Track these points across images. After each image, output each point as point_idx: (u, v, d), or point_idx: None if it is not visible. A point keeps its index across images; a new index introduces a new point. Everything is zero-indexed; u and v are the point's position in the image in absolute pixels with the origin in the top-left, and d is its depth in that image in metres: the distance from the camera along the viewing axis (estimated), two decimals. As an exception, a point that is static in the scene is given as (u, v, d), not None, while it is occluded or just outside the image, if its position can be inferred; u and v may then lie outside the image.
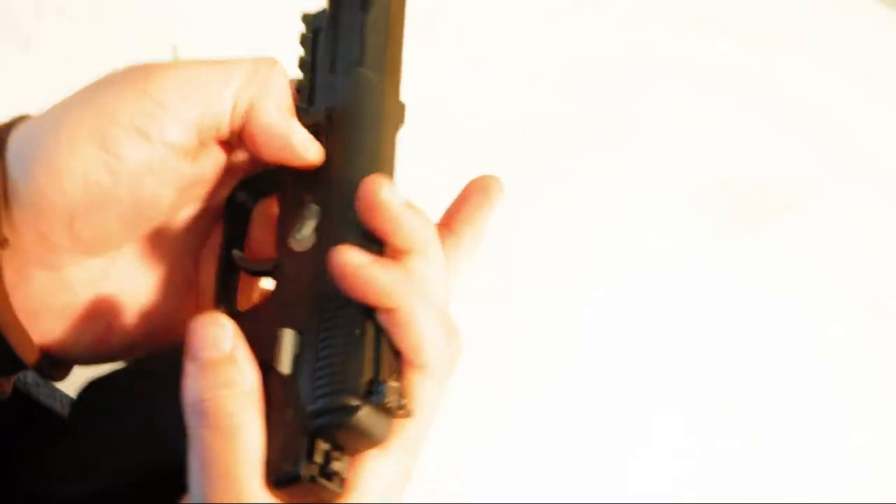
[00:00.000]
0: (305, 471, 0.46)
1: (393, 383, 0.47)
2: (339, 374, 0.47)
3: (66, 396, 0.84)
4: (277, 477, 0.47)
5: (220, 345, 0.48)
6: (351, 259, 0.48)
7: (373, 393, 0.47)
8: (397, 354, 0.49)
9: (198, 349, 0.48)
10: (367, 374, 0.47)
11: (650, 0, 1.04)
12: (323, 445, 0.47)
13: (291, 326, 0.50)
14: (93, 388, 0.56)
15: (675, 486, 0.85)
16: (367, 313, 0.48)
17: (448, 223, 0.55)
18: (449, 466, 0.82)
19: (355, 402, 0.46)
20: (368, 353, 0.48)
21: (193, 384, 0.48)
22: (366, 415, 0.47)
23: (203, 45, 0.98)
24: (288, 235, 0.53)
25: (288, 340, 0.49)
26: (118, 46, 0.99)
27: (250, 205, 0.56)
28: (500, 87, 0.98)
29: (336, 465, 0.47)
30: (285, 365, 0.49)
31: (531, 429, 0.86)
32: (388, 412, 0.47)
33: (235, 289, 0.55)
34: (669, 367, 0.88)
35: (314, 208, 0.52)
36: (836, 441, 0.87)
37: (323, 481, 0.47)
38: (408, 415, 0.48)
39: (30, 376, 0.84)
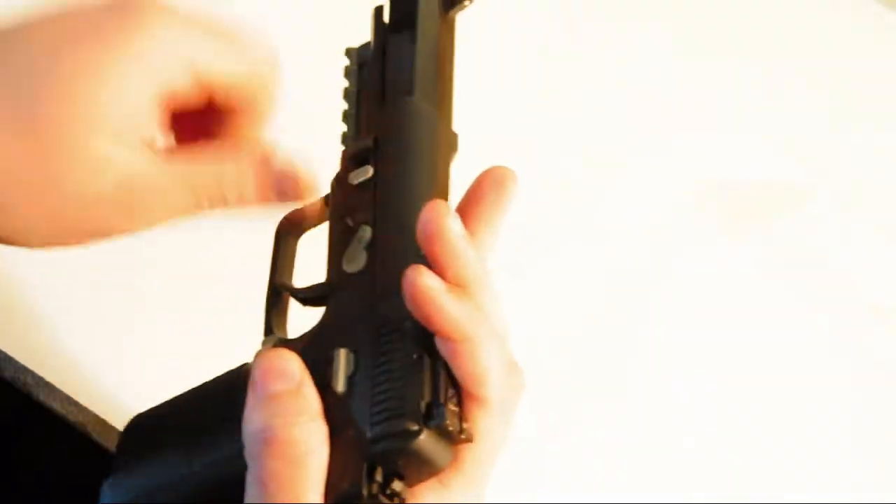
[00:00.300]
0: (367, 490, 0.46)
1: (452, 407, 0.47)
2: (398, 398, 0.47)
3: (67, 396, 0.84)
4: (337, 497, 0.46)
5: (287, 378, 0.47)
6: (425, 282, 0.47)
7: (432, 416, 0.46)
8: (455, 380, 0.48)
9: (264, 383, 0.47)
10: (426, 397, 0.47)
11: (651, 0, 1.04)
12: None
13: (345, 347, 0.49)
14: (139, 421, 0.56)
15: (676, 486, 0.85)
16: (425, 337, 0.48)
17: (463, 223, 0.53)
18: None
19: (415, 427, 0.46)
20: (427, 377, 0.47)
21: (257, 414, 0.47)
22: (426, 439, 0.46)
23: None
24: (341, 257, 0.52)
25: (342, 360, 0.49)
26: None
27: (297, 236, 0.56)
28: (499, 86, 0.98)
29: (396, 486, 0.47)
30: (340, 383, 0.48)
31: (539, 430, 0.86)
32: (449, 436, 0.47)
33: (285, 317, 0.54)
34: (669, 366, 0.88)
35: (367, 230, 0.52)
36: (836, 441, 0.87)
37: (384, 500, 0.46)
38: (469, 440, 0.47)
39: (30, 377, 0.84)
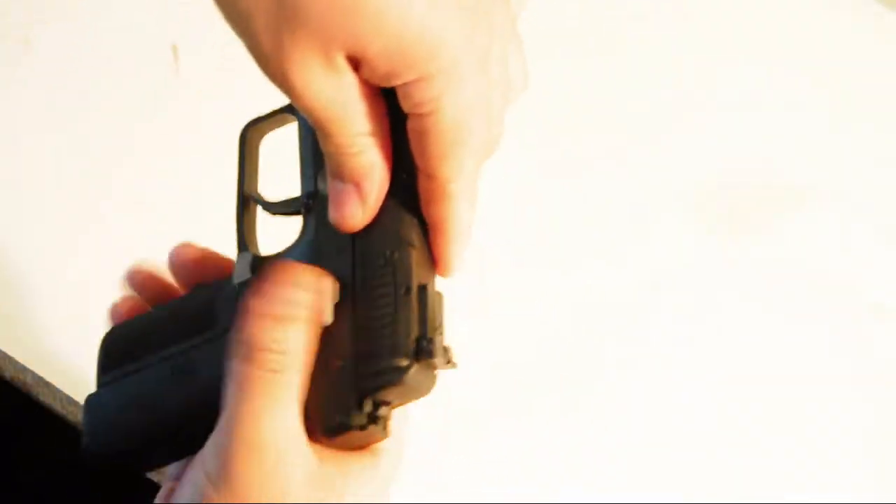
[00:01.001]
0: (357, 420, 0.47)
1: (439, 337, 0.48)
2: (388, 334, 0.48)
3: (67, 396, 0.84)
4: (328, 427, 0.48)
5: (293, 308, 0.48)
6: None
7: (421, 351, 0.47)
8: (441, 305, 0.49)
9: (270, 301, 0.48)
10: (415, 332, 0.48)
11: (651, 0, 1.04)
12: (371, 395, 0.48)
13: (330, 275, 0.50)
14: (116, 336, 0.57)
15: (676, 486, 0.85)
16: (412, 268, 0.49)
17: None
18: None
19: (405, 363, 0.47)
20: (415, 311, 0.48)
21: (250, 328, 0.48)
22: (415, 373, 0.47)
23: (203, 45, 0.98)
24: (314, 173, 0.52)
25: (329, 289, 0.49)
26: (118, 46, 0.99)
27: (259, 139, 0.56)
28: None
29: (383, 411, 0.48)
30: (328, 314, 0.49)
31: (540, 430, 0.86)
32: (435, 367, 0.48)
33: (253, 230, 0.55)
34: (670, 366, 0.88)
35: None
36: (837, 441, 0.87)
37: (372, 428, 0.48)
38: (454, 366, 0.49)
39: (30, 377, 0.84)
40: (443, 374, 0.49)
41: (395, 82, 0.46)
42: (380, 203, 0.49)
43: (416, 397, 0.49)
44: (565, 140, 0.98)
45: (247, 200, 0.55)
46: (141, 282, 0.57)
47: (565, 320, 0.90)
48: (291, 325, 0.48)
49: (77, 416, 0.83)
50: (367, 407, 0.47)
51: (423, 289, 0.48)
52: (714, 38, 1.02)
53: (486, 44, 0.48)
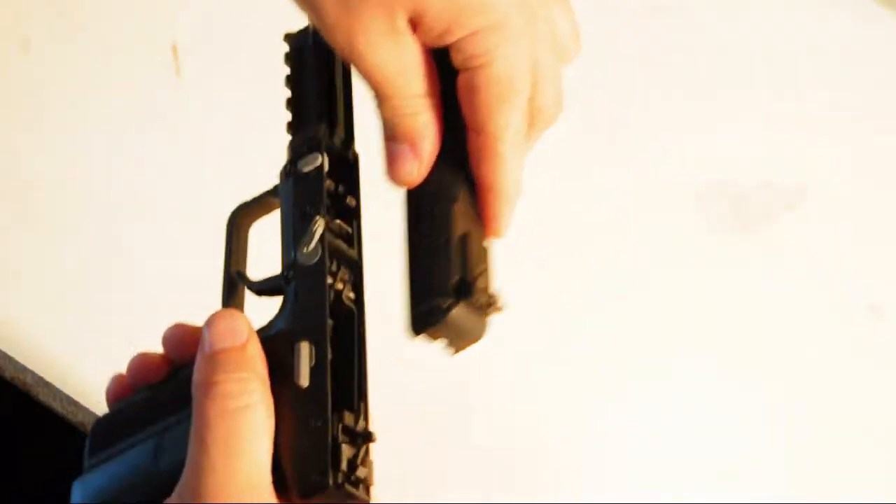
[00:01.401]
0: (333, 478, 0.47)
1: (482, 283, 0.50)
2: (430, 278, 0.50)
3: (67, 397, 0.84)
4: (305, 487, 0.48)
5: (234, 337, 0.50)
6: None
7: (461, 292, 0.49)
8: (485, 255, 0.51)
9: (212, 342, 0.50)
10: (456, 275, 0.50)
11: (651, 0, 1.04)
12: (347, 452, 0.48)
13: (305, 338, 0.50)
14: (105, 421, 0.57)
15: (676, 486, 0.85)
16: (452, 221, 0.50)
17: None
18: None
19: (447, 303, 0.49)
20: (456, 257, 0.50)
21: (202, 368, 0.49)
22: (458, 313, 0.49)
23: (203, 45, 0.98)
24: (295, 249, 0.53)
25: (304, 353, 0.50)
26: (118, 46, 0.99)
27: (248, 224, 0.57)
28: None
29: (361, 472, 0.48)
30: (304, 378, 0.49)
31: (540, 429, 0.86)
32: (480, 309, 0.50)
33: (242, 305, 0.56)
34: (669, 367, 0.89)
35: (320, 221, 0.53)
36: (836, 441, 0.87)
37: (350, 488, 0.47)
38: (499, 310, 0.50)
39: (29, 377, 0.84)
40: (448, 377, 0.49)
41: (449, 40, 0.49)
42: (432, 161, 0.51)
43: (469, 341, 0.50)
44: (564, 139, 0.97)
45: (233, 281, 0.56)
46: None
47: (563, 320, 0.90)
48: (237, 353, 0.49)
49: (77, 417, 0.83)
50: (344, 464, 0.47)
51: (463, 238, 0.50)
52: (714, 38, 1.02)
53: (534, 3, 0.50)
